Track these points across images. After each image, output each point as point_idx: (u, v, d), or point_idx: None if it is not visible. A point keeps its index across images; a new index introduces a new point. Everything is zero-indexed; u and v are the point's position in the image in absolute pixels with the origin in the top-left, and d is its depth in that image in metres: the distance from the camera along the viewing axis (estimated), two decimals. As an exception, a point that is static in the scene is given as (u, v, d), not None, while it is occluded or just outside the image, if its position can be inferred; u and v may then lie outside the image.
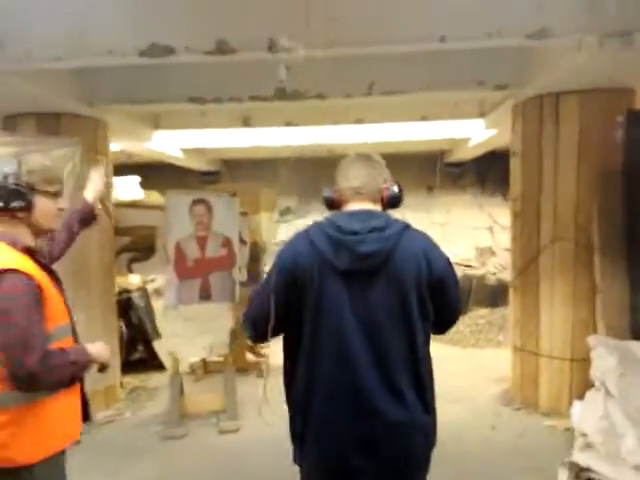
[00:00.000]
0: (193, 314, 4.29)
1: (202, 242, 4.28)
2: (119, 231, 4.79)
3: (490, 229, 8.46)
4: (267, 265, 5.78)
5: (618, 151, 3.94)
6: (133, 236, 4.97)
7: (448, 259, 1.78)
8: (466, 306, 7.16)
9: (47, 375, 1.61)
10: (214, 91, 4.31)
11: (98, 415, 4.30)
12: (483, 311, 7.16)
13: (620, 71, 3.60)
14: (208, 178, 8.97)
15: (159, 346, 5.63)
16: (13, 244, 1.68)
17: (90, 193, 2.37)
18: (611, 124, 3.94)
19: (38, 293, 1.63)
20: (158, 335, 5.70)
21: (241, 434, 3.96)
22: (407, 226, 1.71)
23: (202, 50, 3.12)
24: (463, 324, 6.73)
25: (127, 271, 5.30)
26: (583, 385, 3.93)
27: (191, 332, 4.39)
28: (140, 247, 5.25)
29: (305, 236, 1.71)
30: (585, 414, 3.27)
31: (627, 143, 3.92)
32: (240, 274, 4.58)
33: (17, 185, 1.68)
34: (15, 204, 1.68)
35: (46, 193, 1.77)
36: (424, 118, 5.53)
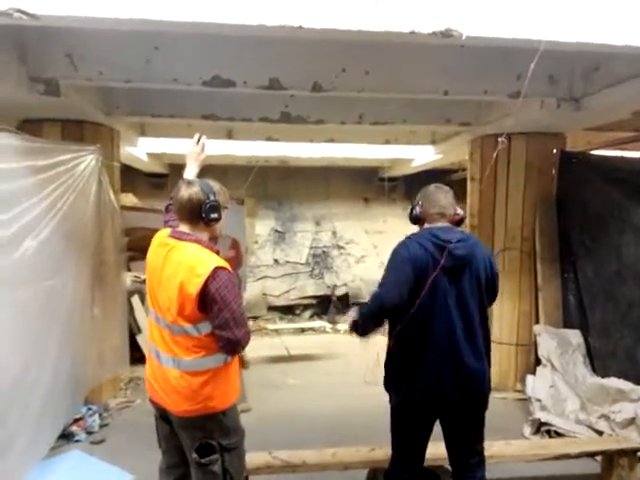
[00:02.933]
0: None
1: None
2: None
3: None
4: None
5: (553, 181, 5.08)
6: (131, 237, 5.31)
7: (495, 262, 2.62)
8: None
9: (247, 342, 2.18)
10: (228, 111, 4.84)
11: (111, 402, 4.66)
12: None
13: (558, 122, 4.70)
14: (155, 181, 9.24)
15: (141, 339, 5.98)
16: (207, 246, 2.25)
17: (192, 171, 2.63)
18: (549, 160, 5.08)
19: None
20: (139, 330, 6.05)
21: (253, 413, 4.53)
22: (475, 237, 2.53)
23: (257, 85, 3.72)
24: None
25: (125, 270, 5.60)
26: (525, 365, 4.99)
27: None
28: (137, 247, 5.59)
29: (414, 243, 2.44)
30: (537, 384, 4.29)
31: (559, 175, 5.07)
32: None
33: (215, 202, 2.24)
34: (212, 216, 2.24)
35: (224, 208, 2.34)
36: (387, 142, 6.42)
